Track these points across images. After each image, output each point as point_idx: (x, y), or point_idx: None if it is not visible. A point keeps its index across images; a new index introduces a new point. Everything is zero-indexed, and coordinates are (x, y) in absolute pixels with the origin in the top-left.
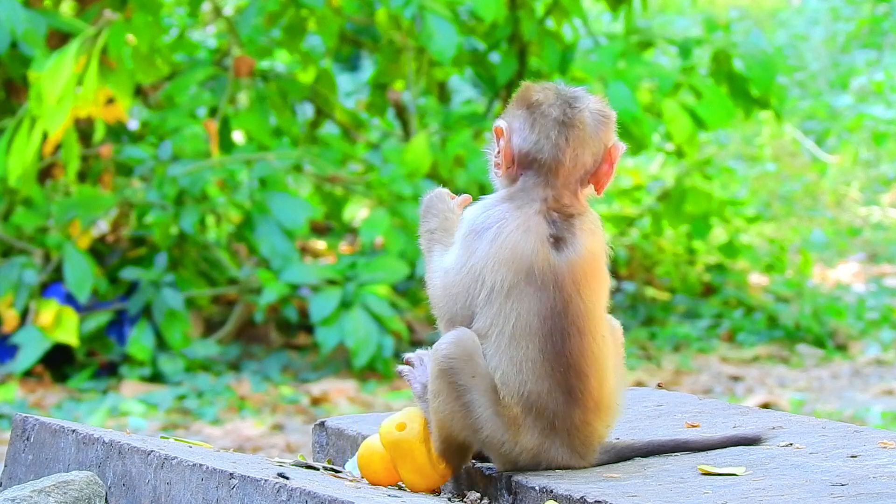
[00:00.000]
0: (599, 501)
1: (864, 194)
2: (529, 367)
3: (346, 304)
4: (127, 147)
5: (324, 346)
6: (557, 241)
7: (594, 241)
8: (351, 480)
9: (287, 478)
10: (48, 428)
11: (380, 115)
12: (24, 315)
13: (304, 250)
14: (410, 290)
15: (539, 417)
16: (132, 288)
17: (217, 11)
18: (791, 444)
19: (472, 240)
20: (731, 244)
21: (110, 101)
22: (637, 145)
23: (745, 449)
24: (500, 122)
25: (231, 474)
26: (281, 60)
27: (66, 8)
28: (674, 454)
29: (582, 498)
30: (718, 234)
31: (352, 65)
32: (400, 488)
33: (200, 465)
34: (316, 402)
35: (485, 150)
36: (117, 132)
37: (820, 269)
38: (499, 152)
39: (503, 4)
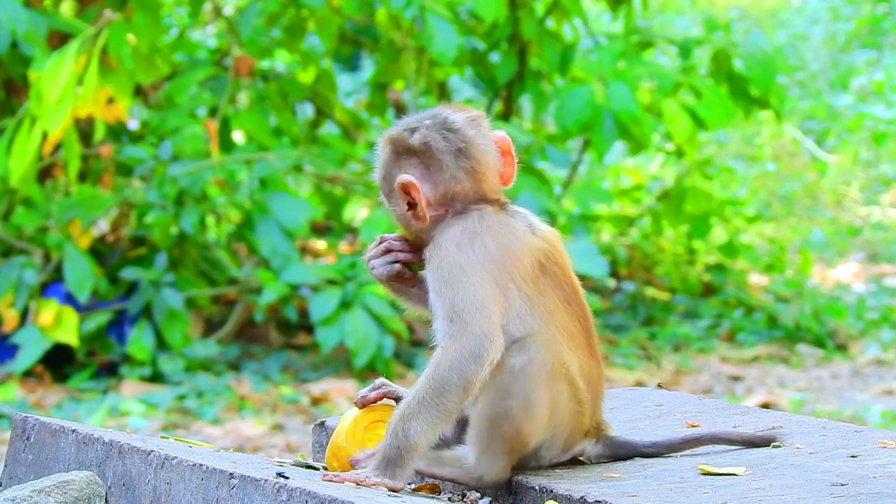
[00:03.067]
0: (599, 501)
1: (864, 194)
2: (573, 344)
3: (346, 304)
4: (127, 147)
5: (324, 346)
6: (531, 228)
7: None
8: None
9: (287, 478)
10: (48, 428)
11: (380, 115)
12: (24, 315)
13: (304, 250)
14: None
15: (588, 388)
16: (132, 288)
17: (217, 11)
18: (791, 444)
19: (464, 263)
20: (731, 244)
21: (110, 101)
22: (637, 145)
23: (745, 449)
24: (405, 177)
25: (231, 474)
26: (281, 60)
27: (66, 8)
28: (673, 454)
29: (582, 498)
30: (718, 234)
31: (352, 65)
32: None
33: (200, 465)
34: (316, 402)
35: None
36: (117, 132)
37: (820, 269)
38: (415, 205)
39: (503, 4)
